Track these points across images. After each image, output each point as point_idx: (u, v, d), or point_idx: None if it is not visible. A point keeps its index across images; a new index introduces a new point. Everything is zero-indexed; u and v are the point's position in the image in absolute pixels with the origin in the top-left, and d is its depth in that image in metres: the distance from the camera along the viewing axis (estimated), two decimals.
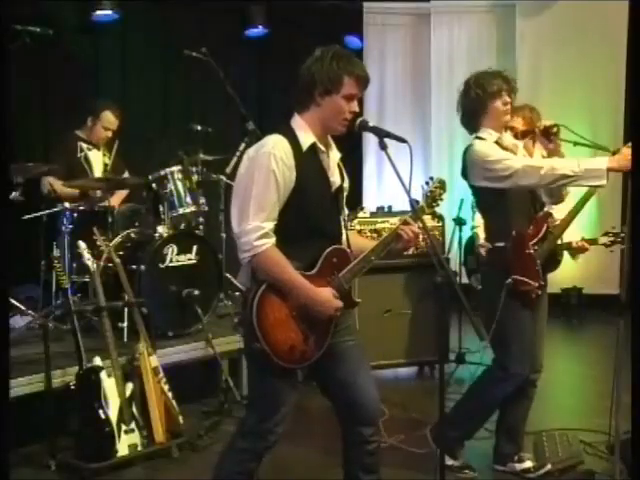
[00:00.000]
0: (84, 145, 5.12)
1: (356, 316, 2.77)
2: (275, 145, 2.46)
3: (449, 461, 3.41)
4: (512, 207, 3.28)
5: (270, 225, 2.44)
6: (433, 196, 2.68)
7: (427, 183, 2.72)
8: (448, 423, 3.39)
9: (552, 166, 3.08)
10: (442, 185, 2.69)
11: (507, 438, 3.55)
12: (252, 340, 2.47)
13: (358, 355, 2.65)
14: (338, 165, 2.67)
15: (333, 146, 2.66)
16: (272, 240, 2.45)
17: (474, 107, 3.35)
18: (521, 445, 3.57)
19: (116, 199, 5.07)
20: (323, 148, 2.57)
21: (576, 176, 3.03)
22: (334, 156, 2.64)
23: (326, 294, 2.50)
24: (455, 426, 3.45)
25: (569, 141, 3.22)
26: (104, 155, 5.20)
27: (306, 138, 2.53)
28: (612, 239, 3.80)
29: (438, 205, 2.73)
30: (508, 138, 3.46)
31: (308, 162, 2.51)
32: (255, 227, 2.42)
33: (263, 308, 2.46)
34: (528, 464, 3.52)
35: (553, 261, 3.48)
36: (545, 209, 3.51)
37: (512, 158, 3.21)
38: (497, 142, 3.34)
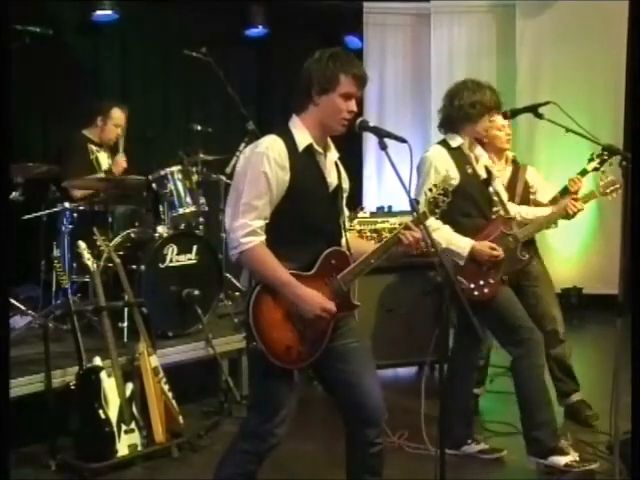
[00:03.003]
0: (94, 147, 5.13)
1: (356, 316, 2.78)
2: (269, 146, 2.48)
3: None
4: (456, 211, 3.40)
5: (259, 223, 2.46)
6: (436, 202, 2.68)
7: (430, 190, 2.72)
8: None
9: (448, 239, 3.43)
10: (445, 192, 2.69)
11: (462, 421, 3.71)
12: (250, 340, 2.48)
13: (363, 356, 2.65)
14: (337, 166, 2.67)
15: (332, 147, 2.66)
16: (260, 238, 2.46)
17: (466, 113, 3.49)
18: (475, 428, 3.80)
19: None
20: (320, 149, 2.58)
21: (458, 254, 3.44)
22: (332, 157, 2.65)
23: (312, 293, 2.49)
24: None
25: (562, 126, 3.22)
26: (108, 157, 5.21)
27: (303, 139, 2.54)
28: (599, 160, 3.86)
29: (440, 211, 2.74)
30: (478, 150, 3.65)
31: (304, 163, 2.52)
32: (242, 224, 2.44)
33: (259, 307, 2.47)
34: (483, 446, 3.72)
35: (512, 261, 3.58)
36: (500, 212, 3.66)
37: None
38: (459, 148, 3.54)
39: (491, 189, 3.67)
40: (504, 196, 3.81)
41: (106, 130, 5.12)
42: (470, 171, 3.54)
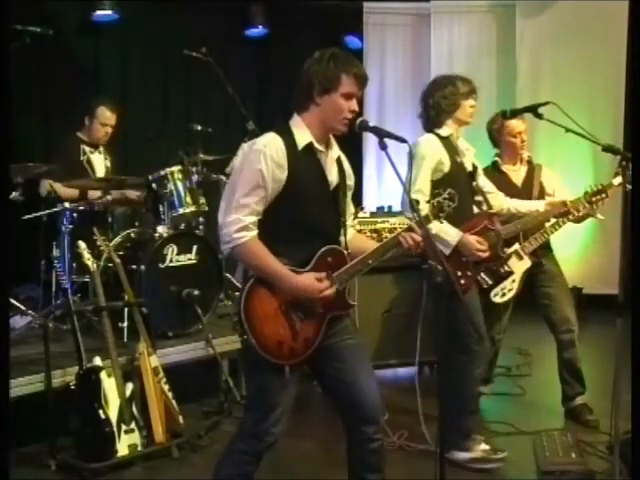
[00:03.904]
0: (87, 148, 5.11)
1: (356, 316, 2.77)
2: (267, 143, 2.49)
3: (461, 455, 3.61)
4: None
5: (251, 219, 2.47)
6: (440, 206, 2.67)
7: (439, 194, 2.71)
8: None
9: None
10: (452, 197, 2.68)
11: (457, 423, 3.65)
12: (242, 334, 2.50)
13: (358, 354, 2.65)
14: (340, 163, 2.67)
15: (334, 145, 2.66)
16: (252, 233, 2.47)
17: (447, 104, 3.57)
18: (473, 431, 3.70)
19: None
20: (321, 148, 2.58)
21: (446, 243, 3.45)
22: (333, 155, 2.65)
23: (308, 279, 2.50)
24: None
25: (562, 126, 3.23)
26: (105, 159, 5.19)
27: (303, 137, 2.54)
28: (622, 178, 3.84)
29: (444, 216, 2.72)
30: (463, 143, 3.71)
31: (303, 161, 2.53)
32: (235, 220, 2.45)
33: (251, 302, 2.49)
34: (484, 447, 3.67)
35: (492, 257, 3.63)
36: (484, 208, 3.75)
37: (421, 195, 3.39)
38: (448, 137, 3.59)
39: (475, 184, 3.71)
40: (492, 188, 3.85)
41: (93, 129, 5.09)
42: (459, 160, 3.60)
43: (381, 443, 2.64)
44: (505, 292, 4.09)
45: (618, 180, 3.88)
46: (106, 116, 5.09)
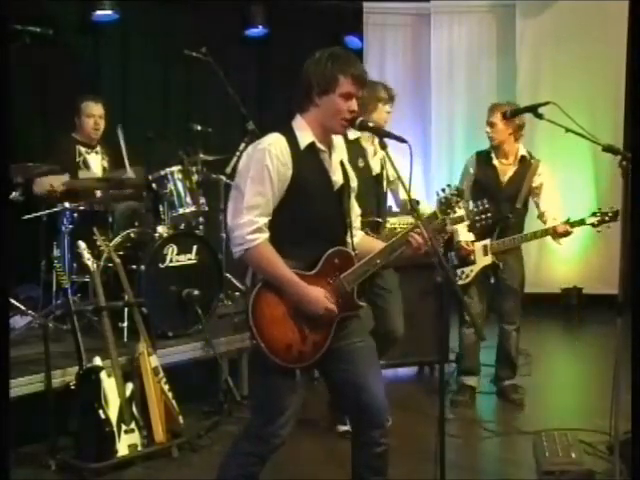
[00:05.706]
0: (82, 149, 5.10)
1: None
2: (272, 142, 2.48)
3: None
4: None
5: (264, 220, 2.45)
6: (448, 203, 2.65)
7: (443, 190, 2.70)
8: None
9: None
10: (460, 193, 2.67)
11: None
12: (251, 337, 2.48)
13: (368, 357, 2.64)
14: (343, 165, 2.67)
15: (337, 146, 2.65)
16: (265, 235, 2.46)
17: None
18: None
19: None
20: (324, 148, 2.57)
21: None
22: (337, 156, 2.64)
23: (316, 292, 2.49)
24: None
25: (562, 126, 3.23)
26: (103, 158, 5.18)
27: (305, 137, 2.53)
28: (599, 218, 4.02)
29: (453, 212, 2.72)
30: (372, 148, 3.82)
31: (306, 161, 2.52)
32: (248, 221, 2.43)
33: (260, 305, 2.48)
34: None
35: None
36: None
37: None
38: (356, 140, 3.67)
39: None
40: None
41: (82, 125, 5.09)
42: (361, 164, 3.62)
43: (386, 448, 2.64)
44: (461, 277, 4.29)
45: (591, 220, 4.14)
46: (91, 107, 5.09)
